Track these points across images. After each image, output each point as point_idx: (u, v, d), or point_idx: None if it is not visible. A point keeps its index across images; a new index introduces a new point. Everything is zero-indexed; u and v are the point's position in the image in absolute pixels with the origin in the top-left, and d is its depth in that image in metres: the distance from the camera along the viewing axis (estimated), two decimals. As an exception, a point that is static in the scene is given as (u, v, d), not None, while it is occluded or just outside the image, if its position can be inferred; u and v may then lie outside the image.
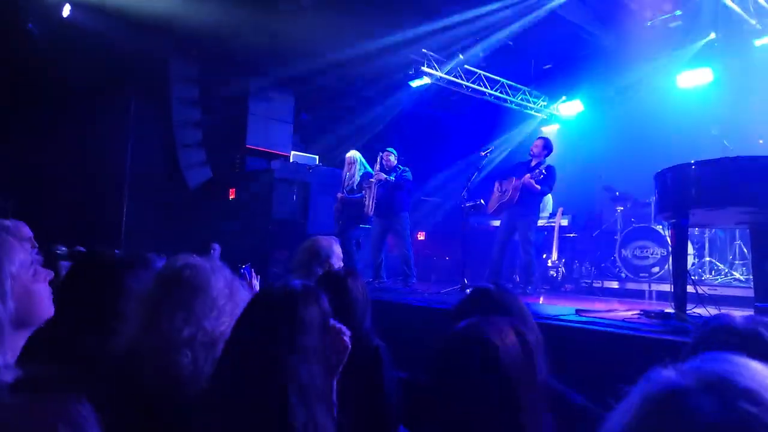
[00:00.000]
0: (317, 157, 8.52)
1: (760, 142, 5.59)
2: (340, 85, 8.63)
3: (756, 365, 0.55)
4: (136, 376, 1.18)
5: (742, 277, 5.68)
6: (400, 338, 3.15)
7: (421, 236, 8.17)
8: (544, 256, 7.06)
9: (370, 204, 6.02)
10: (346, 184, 6.38)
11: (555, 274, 6.83)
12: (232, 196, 8.12)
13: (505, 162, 6.65)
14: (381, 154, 6.27)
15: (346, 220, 6.23)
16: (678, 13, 6.22)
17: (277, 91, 8.67)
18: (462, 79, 8.14)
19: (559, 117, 9.28)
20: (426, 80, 7.85)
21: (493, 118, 8.99)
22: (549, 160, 5.80)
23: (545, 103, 9.22)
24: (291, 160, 8.25)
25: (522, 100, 8.94)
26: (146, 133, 7.94)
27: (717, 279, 5.88)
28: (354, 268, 2.71)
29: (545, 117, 9.37)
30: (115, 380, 1.16)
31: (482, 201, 5.92)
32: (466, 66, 8.06)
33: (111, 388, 1.07)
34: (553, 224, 7.07)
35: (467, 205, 5.91)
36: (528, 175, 5.56)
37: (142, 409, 1.12)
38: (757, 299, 3.73)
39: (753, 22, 6.15)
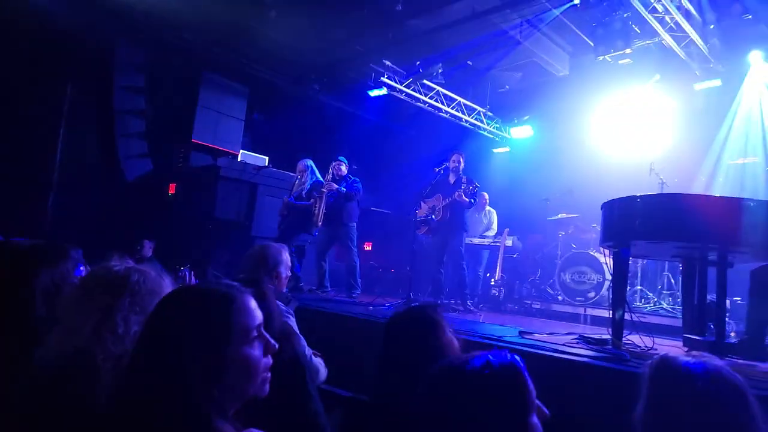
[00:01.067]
0: (267, 158, 8.32)
1: (702, 179, 5.96)
2: (297, 88, 8.49)
3: None
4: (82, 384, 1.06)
5: (668, 307, 6.00)
6: (341, 350, 3.08)
7: (367, 247, 8.13)
8: (488, 275, 7.20)
9: (319, 214, 5.94)
10: (294, 189, 6.28)
11: (497, 293, 6.96)
12: (172, 192, 7.75)
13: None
14: (333, 163, 6.23)
15: (290, 226, 6.09)
16: (628, 51, 6.58)
17: (231, 86, 8.41)
18: (420, 94, 8.23)
19: (510, 140, 9.56)
20: (384, 91, 7.87)
21: (447, 135, 9.13)
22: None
23: (498, 125, 9.48)
24: (239, 159, 8.00)
25: (476, 119, 9.14)
26: (82, 120, 7.44)
27: (647, 307, 6.19)
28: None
29: (497, 139, 9.63)
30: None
31: (434, 216, 5.97)
32: (425, 81, 8.16)
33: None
34: (498, 244, 7.23)
35: (418, 219, 5.96)
36: (459, 191, 5.67)
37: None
38: (685, 330, 3.95)
39: (694, 67, 6.59)
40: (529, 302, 6.99)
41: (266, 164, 8.08)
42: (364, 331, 3.52)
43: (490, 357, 1.05)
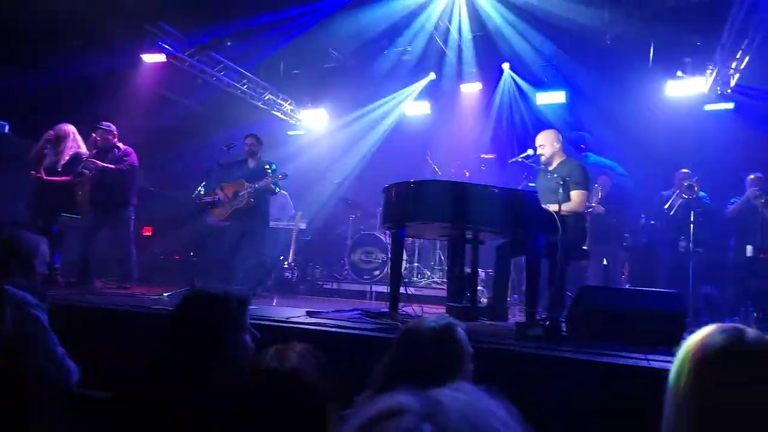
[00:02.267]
0: (7, 125, 6.86)
1: (467, 174, 6.91)
2: (54, 42, 7.19)
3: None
4: None
5: (439, 280, 6.89)
6: (107, 349, 2.80)
7: (147, 232, 7.43)
8: (281, 257, 7.26)
9: (83, 192, 5.18)
10: (47, 162, 5.31)
11: (290, 276, 7.08)
12: None
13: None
14: (98, 131, 5.43)
15: (45, 207, 5.20)
16: (409, 48, 7.27)
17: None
18: (206, 66, 7.76)
19: (305, 123, 9.70)
20: (162, 57, 7.19)
21: (238, 113, 8.83)
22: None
23: (292, 108, 9.53)
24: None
25: (269, 99, 9.04)
26: None
27: (422, 281, 7.01)
28: None
29: (292, 121, 9.68)
30: None
31: (220, 197, 5.75)
32: (212, 53, 7.72)
33: None
34: (292, 227, 7.34)
35: (204, 200, 5.67)
36: (267, 180, 5.66)
37: None
38: (448, 299, 4.61)
39: (462, 70, 7.62)
40: (321, 283, 7.27)
41: (6, 131, 6.69)
42: (136, 325, 3.24)
43: None
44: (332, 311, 3.97)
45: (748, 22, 5.65)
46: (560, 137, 4.43)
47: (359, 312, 3.85)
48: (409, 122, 8.59)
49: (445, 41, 6.73)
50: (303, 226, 7.42)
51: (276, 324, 3.02)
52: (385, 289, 6.41)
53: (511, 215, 3.69)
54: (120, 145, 5.52)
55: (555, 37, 6.95)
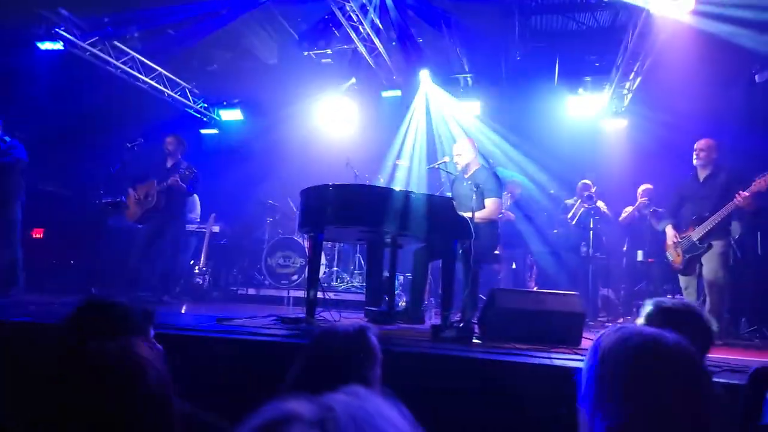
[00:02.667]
0: None
1: (381, 180, 7.00)
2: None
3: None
4: None
5: (359, 285, 6.91)
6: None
7: (37, 234, 6.78)
8: (192, 262, 6.93)
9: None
10: None
11: (202, 282, 6.78)
12: None
13: (147, 160, 6.21)
14: None
15: None
16: (329, 52, 7.25)
17: None
18: (111, 57, 7.25)
19: (220, 122, 9.38)
20: (60, 45, 6.62)
21: (147, 109, 8.34)
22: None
23: (206, 105, 9.17)
24: None
25: (181, 96, 8.63)
26: None
27: (341, 286, 6.99)
28: None
29: (205, 119, 9.31)
30: None
31: (123, 199, 5.41)
32: (117, 44, 7.22)
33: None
34: (204, 230, 7.03)
35: (105, 201, 5.29)
36: (175, 177, 5.40)
37: None
38: (367, 303, 4.64)
39: (381, 76, 7.70)
40: (235, 289, 7.03)
41: None
42: (22, 338, 2.93)
43: None
44: (246, 317, 3.85)
45: (639, 47, 6.23)
46: (476, 146, 4.61)
47: (274, 318, 3.75)
48: (329, 126, 8.55)
49: (367, 47, 6.78)
50: (216, 229, 7.14)
51: (183, 333, 2.87)
52: (303, 294, 6.31)
53: (428, 220, 3.77)
54: (6, 138, 5.02)
55: (471, 49, 7.24)
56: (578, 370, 1.05)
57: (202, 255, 6.86)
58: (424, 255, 4.52)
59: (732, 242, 4.95)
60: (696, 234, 4.60)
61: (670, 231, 4.80)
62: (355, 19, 6.16)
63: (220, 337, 2.83)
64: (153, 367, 0.99)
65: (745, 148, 6.09)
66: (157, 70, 7.98)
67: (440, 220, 3.81)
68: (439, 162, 4.51)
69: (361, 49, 6.72)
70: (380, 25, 6.63)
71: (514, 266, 6.90)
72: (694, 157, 4.75)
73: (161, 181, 5.47)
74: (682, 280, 4.79)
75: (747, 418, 0.90)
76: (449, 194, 4.75)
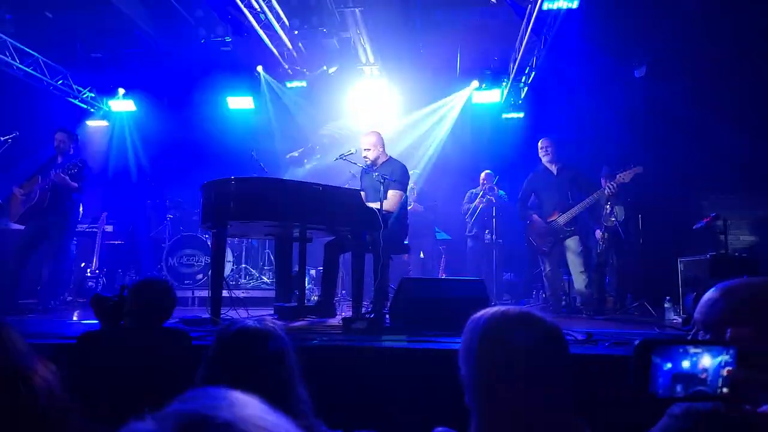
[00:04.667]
0: None
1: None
2: None
3: (237, 395, 0.56)
4: None
5: (268, 281, 6.77)
6: None
7: None
8: (83, 264, 6.42)
9: None
10: None
11: (95, 286, 6.31)
12: None
13: (33, 156, 5.68)
14: None
15: None
16: (228, 39, 6.95)
17: None
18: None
19: (110, 113, 8.71)
20: None
21: (25, 99, 7.55)
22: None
23: (93, 95, 8.47)
24: None
25: (63, 85, 7.89)
26: None
27: (250, 283, 6.81)
28: None
29: (92, 110, 8.60)
30: None
31: (16, 196, 4.94)
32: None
33: None
34: (95, 230, 6.52)
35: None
36: (58, 172, 4.97)
37: None
38: (277, 299, 4.55)
39: (286, 66, 7.54)
40: (133, 292, 6.61)
41: None
42: None
43: None
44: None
45: (533, 43, 6.62)
46: (382, 139, 4.66)
47: (176, 320, 3.57)
48: (232, 117, 8.25)
49: (269, 35, 6.59)
50: (109, 228, 6.66)
51: (69, 342, 2.64)
52: (208, 294, 6.08)
53: (336, 213, 3.78)
54: None
55: (376, 40, 7.29)
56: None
57: (95, 257, 6.38)
58: (335, 248, 4.52)
59: (617, 224, 5.46)
60: (564, 219, 5.18)
61: (533, 217, 5.39)
62: (256, 7, 5.96)
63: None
64: (46, 387, 0.94)
65: (623, 141, 6.73)
66: (35, 55, 7.23)
67: (348, 212, 3.83)
68: (346, 153, 4.50)
69: (264, 37, 6.52)
70: (281, 13, 6.47)
71: (422, 255, 7.10)
72: (542, 153, 5.45)
73: (45, 177, 5.02)
74: (543, 262, 5.41)
75: (637, 389, 0.99)
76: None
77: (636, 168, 5.02)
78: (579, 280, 5.12)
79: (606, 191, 5.08)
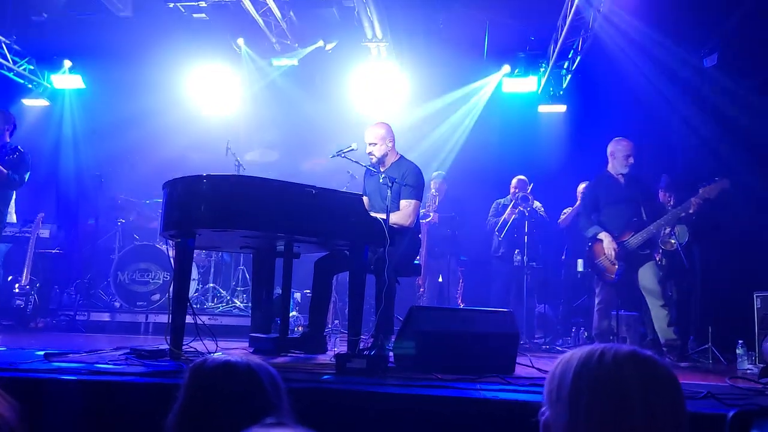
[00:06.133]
0: None
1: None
2: None
3: None
4: None
5: (242, 305, 6.76)
6: None
7: None
8: (10, 278, 6.43)
9: None
10: None
11: (23, 304, 6.31)
12: None
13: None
14: None
15: None
16: (203, 4, 7.00)
17: None
18: None
19: (52, 90, 8.76)
20: None
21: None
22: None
23: (32, 67, 8.52)
24: None
25: (-5, 53, 7.95)
26: None
27: (219, 307, 6.81)
28: None
29: (31, 86, 8.65)
30: None
31: None
32: None
33: None
34: (28, 234, 6.53)
35: None
36: None
37: None
38: (253, 328, 4.52)
39: (273, 40, 7.59)
40: (72, 314, 6.63)
41: None
42: None
43: None
44: (85, 352, 3.68)
45: (579, 20, 6.64)
46: (392, 133, 4.65)
47: (127, 351, 3.57)
48: (203, 100, 8.29)
49: (254, 0, 6.64)
50: (45, 233, 6.68)
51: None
52: (167, 319, 6.07)
53: (332, 222, 3.77)
54: None
55: (385, 11, 7.33)
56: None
57: (25, 268, 6.39)
58: (328, 266, 4.50)
59: (679, 248, 5.43)
60: (636, 240, 5.03)
61: (606, 237, 5.15)
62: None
63: (50, 379, 2.64)
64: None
65: (689, 144, 6.72)
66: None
67: (347, 223, 3.81)
68: (345, 150, 4.50)
69: (246, 2, 6.56)
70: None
71: (440, 279, 7.06)
72: (623, 160, 5.21)
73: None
74: (604, 292, 5.25)
75: None
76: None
77: (721, 181, 4.90)
78: (660, 318, 4.92)
79: (692, 208, 4.93)
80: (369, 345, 3.89)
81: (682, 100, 7.02)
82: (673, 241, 5.34)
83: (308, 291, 6.08)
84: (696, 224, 5.69)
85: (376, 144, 4.55)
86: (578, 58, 7.37)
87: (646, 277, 5.01)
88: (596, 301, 5.35)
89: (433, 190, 6.95)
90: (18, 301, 6.35)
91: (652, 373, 1.01)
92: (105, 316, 6.63)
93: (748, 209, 6.25)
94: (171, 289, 3.75)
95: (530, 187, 6.84)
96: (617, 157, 5.23)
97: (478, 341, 3.49)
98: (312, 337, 4.38)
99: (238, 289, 7.10)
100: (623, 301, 5.39)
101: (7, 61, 8.12)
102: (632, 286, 5.14)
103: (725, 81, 6.76)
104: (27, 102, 8.75)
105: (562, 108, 8.03)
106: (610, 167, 5.32)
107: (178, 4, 6.70)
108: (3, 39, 7.92)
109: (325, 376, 3.06)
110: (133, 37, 7.84)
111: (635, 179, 5.27)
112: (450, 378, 2.99)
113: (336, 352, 3.66)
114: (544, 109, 8.11)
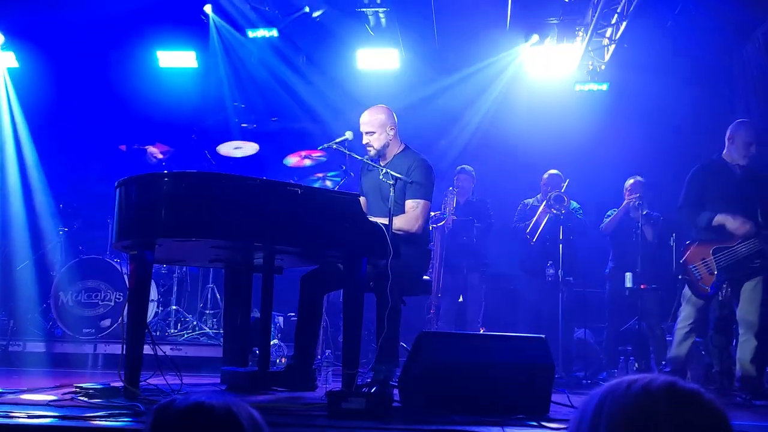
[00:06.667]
0: None
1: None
2: None
3: None
4: None
5: (212, 332, 6.77)
6: None
7: None
8: None
9: None
10: None
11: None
12: None
13: None
14: None
15: None
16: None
17: None
18: None
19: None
20: None
21: None
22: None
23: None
24: None
25: None
26: None
27: (183, 334, 6.81)
28: None
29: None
30: None
31: None
32: None
33: None
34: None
35: None
36: None
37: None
38: (225, 360, 4.53)
39: (248, 6, 7.64)
40: (4, 343, 6.63)
41: None
42: None
43: None
44: (21, 390, 3.68)
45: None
46: (394, 118, 4.64)
47: (72, 390, 3.58)
48: (166, 80, 8.33)
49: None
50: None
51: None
52: (119, 349, 6.08)
53: (322, 228, 3.77)
54: None
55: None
56: None
57: (-54, 289, 6.43)
58: (317, 283, 4.50)
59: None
60: (745, 247, 4.95)
61: (728, 218, 4.97)
62: None
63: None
64: None
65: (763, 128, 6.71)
66: None
67: (340, 229, 3.81)
68: (337, 140, 4.51)
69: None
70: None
71: (461, 299, 7.01)
72: (743, 149, 5.10)
73: None
74: (691, 309, 5.16)
75: None
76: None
77: None
78: (747, 349, 4.90)
79: None
80: (368, 380, 3.89)
81: (750, 77, 7.01)
82: (742, 249, 5.32)
83: (293, 314, 6.09)
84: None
85: (374, 132, 4.54)
86: (624, 24, 7.37)
87: (748, 299, 4.93)
88: (678, 318, 5.29)
89: (451, 188, 6.89)
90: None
91: (694, 411, 1.01)
92: (44, 347, 6.63)
93: None
94: (125, 312, 3.75)
95: (565, 185, 6.82)
96: (736, 142, 5.14)
97: (503, 374, 3.49)
98: (298, 370, 4.38)
99: (207, 312, 7.11)
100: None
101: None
102: (723, 304, 5.11)
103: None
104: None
105: (603, 86, 8.02)
106: (725, 154, 5.22)
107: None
108: None
109: (316, 420, 3.05)
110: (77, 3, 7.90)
111: (754, 174, 5.17)
112: (469, 420, 2.99)
113: (328, 390, 3.66)
114: (581, 87, 8.11)
